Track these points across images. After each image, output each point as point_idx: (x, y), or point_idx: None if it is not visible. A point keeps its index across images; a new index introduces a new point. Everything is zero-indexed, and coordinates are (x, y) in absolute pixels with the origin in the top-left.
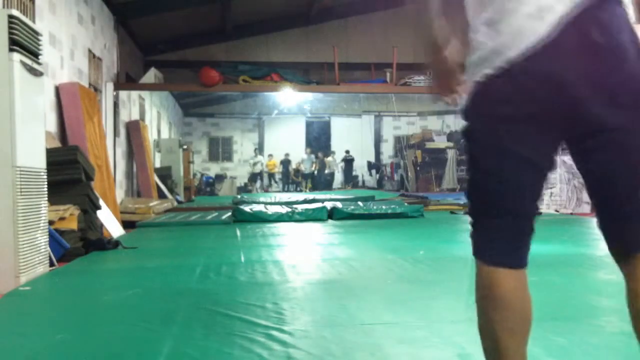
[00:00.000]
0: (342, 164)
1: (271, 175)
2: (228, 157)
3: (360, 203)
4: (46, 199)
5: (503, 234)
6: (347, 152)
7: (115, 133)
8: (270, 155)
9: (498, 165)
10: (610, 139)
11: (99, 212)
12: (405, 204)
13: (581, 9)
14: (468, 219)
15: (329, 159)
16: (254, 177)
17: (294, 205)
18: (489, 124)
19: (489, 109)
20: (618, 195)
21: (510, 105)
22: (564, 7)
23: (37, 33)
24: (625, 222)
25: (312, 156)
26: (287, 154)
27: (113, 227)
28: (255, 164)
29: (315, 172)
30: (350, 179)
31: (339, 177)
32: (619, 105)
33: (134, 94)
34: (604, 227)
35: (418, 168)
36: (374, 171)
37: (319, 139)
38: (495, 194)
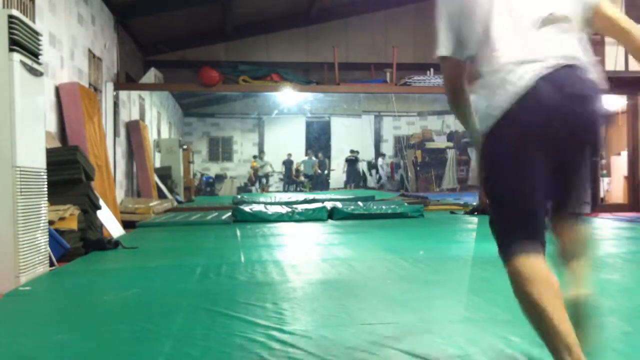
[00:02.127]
0: (345, 164)
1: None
2: (228, 157)
3: (360, 203)
4: (46, 199)
5: (529, 229)
6: (352, 151)
7: (115, 133)
8: (255, 157)
9: (515, 180)
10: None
11: (99, 212)
12: (405, 204)
13: (544, 74)
14: (493, 233)
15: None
16: (259, 178)
17: (294, 205)
18: (506, 153)
19: (505, 141)
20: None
21: (514, 139)
22: (531, 76)
23: (37, 33)
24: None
25: (314, 159)
26: (289, 154)
27: (113, 227)
28: (263, 166)
29: (318, 172)
30: (353, 180)
31: (335, 177)
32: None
33: (134, 94)
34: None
35: (418, 168)
36: (374, 171)
37: (319, 139)
38: (519, 199)
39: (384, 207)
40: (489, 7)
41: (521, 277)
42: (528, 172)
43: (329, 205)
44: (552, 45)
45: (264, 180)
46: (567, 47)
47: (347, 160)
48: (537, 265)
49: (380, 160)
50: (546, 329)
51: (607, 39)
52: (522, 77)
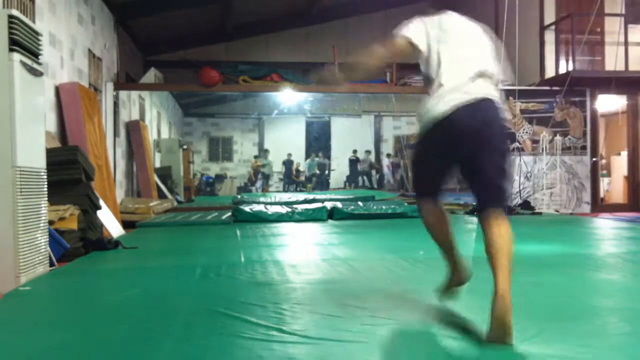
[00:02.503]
0: (349, 164)
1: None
2: (228, 157)
3: (360, 203)
4: (46, 199)
5: (429, 187)
6: (355, 151)
7: (115, 133)
8: (256, 156)
9: (428, 162)
10: (470, 158)
11: (99, 212)
12: (405, 204)
13: (463, 105)
14: (412, 188)
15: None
16: (263, 176)
17: (294, 205)
18: (428, 146)
19: (429, 139)
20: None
21: (436, 139)
22: (453, 104)
23: (37, 33)
24: (479, 192)
25: (317, 159)
26: (289, 154)
27: (113, 227)
28: (264, 165)
29: (317, 172)
30: (353, 180)
31: (335, 177)
32: (473, 143)
33: (134, 94)
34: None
35: None
36: (374, 171)
37: (319, 139)
38: (427, 170)
39: (384, 207)
40: (444, 49)
41: (423, 212)
42: (432, 165)
43: (329, 205)
44: (477, 86)
45: (263, 180)
46: (486, 88)
47: (350, 161)
48: (429, 206)
49: (386, 161)
50: (437, 239)
51: (607, 40)
52: (450, 102)
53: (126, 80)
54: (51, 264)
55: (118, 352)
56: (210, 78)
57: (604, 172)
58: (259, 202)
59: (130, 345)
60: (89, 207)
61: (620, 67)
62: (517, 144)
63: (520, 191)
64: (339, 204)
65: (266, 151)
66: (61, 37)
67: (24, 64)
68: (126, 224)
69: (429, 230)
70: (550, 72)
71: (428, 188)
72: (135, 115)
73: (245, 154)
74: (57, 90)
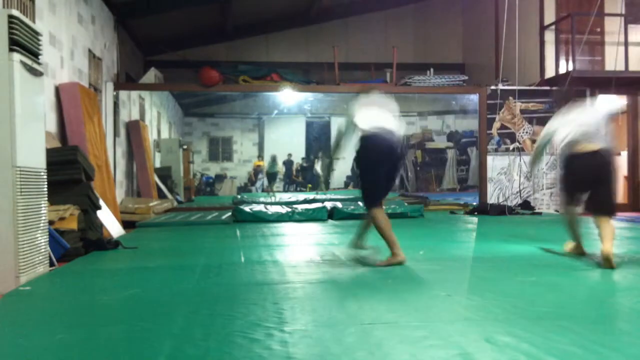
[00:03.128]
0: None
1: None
2: (228, 157)
3: (360, 203)
4: (46, 199)
5: (379, 195)
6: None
7: (115, 133)
8: (259, 157)
9: (378, 169)
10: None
11: (99, 212)
12: (405, 204)
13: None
14: (363, 194)
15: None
16: (270, 176)
17: (294, 205)
18: (372, 153)
19: (373, 148)
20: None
21: (377, 149)
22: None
23: (37, 33)
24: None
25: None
26: (289, 154)
27: (113, 227)
28: (271, 168)
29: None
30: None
31: (335, 177)
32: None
33: (134, 94)
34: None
35: (418, 168)
36: None
37: (319, 139)
38: (378, 179)
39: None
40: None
41: (376, 217)
42: (379, 171)
43: (329, 205)
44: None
45: (264, 180)
46: (387, 122)
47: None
48: (380, 212)
49: None
50: (387, 237)
51: (607, 40)
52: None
53: (126, 80)
54: (51, 264)
55: (118, 352)
56: (210, 78)
57: None
58: (259, 202)
59: (130, 345)
60: (89, 207)
61: (620, 67)
62: (517, 144)
63: (520, 191)
64: (339, 204)
65: (274, 157)
66: (61, 37)
67: (24, 64)
68: (126, 224)
69: (384, 229)
70: (550, 72)
71: (380, 193)
72: (135, 115)
73: (245, 154)
74: (57, 90)
